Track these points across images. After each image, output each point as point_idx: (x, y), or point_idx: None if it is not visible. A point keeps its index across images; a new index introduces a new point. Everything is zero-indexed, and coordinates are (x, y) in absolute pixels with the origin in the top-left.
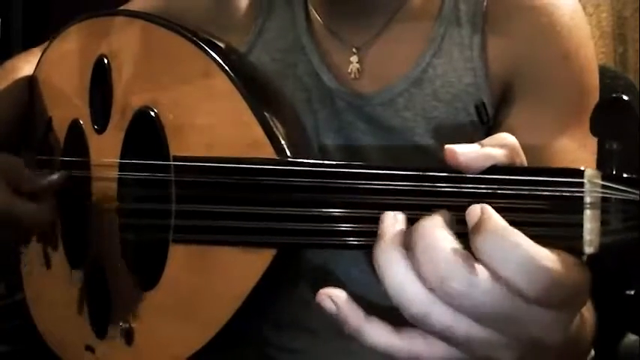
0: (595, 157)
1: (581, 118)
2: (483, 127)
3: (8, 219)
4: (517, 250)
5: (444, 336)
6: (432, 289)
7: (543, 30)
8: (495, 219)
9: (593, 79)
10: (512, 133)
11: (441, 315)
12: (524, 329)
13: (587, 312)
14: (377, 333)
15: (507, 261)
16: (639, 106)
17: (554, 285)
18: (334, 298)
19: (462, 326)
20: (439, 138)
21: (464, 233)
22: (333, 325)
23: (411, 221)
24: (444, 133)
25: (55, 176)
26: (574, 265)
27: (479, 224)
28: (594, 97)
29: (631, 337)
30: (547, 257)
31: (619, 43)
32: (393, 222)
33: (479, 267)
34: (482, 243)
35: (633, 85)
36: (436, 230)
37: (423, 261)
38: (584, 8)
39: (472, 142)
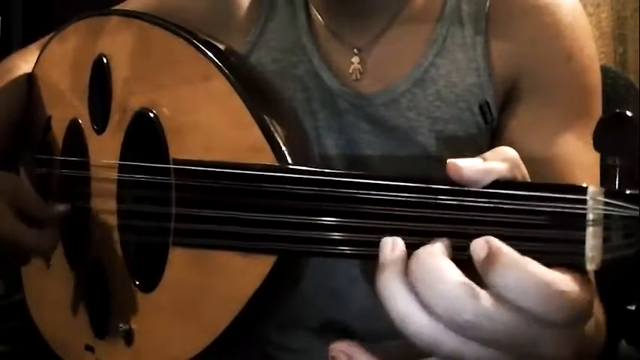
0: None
1: (584, 117)
2: (487, 127)
3: (10, 244)
4: (535, 281)
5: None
6: (440, 320)
7: (547, 29)
8: (506, 251)
9: (596, 78)
10: (517, 134)
11: (451, 341)
12: (536, 348)
13: (598, 312)
14: None
15: (526, 292)
16: None
17: (574, 308)
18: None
19: (472, 350)
20: (443, 138)
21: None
22: (334, 324)
23: (411, 232)
24: (448, 133)
25: (62, 207)
26: (584, 283)
27: (490, 259)
28: (597, 97)
29: None
30: (563, 282)
31: (619, 43)
32: (392, 248)
33: (486, 296)
34: (498, 278)
35: (633, 85)
36: (440, 261)
37: (431, 294)
38: (584, 8)
39: (476, 142)
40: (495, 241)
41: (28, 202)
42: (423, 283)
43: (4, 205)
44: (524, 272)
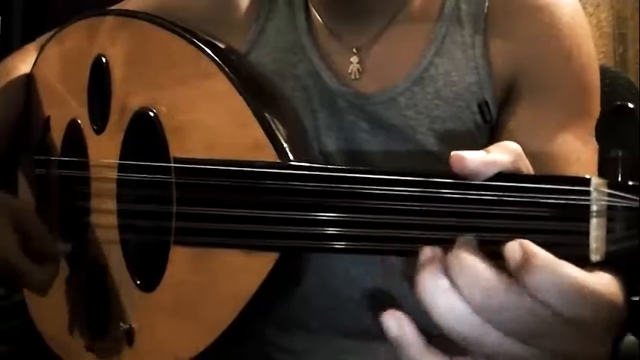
0: (597, 154)
1: (583, 116)
2: (486, 125)
3: (8, 274)
4: (572, 283)
5: (493, 354)
6: (477, 311)
7: (545, 29)
8: (542, 255)
9: (595, 78)
10: (516, 133)
11: (491, 334)
12: (563, 345)
13: None
14: None
15: (564, 295)
16: (639, 106)
17: (606, 308)
18: (402, 322)
19: (510, 345)
20: (442, 137)
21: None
22: (333, 324)
23: (418, 227)
24: (447, 132)
25: (66, 246)
26: (611, 280)
27: (526, 262)
28: (596, 96)
29: (631, 337)
30: (598, 282)
31: (619, 43)
32: (432, 254)
33: (514, 284)
34: (534, 280)
35: (633, 85)
36: (472, 254)
37: (465, 283)
38: (584, 8)
39: (475, 140)
40: (529, 244)
41: (35, 235)
42: (458, 273)
43: (10, 233)
44: (559, 275)
